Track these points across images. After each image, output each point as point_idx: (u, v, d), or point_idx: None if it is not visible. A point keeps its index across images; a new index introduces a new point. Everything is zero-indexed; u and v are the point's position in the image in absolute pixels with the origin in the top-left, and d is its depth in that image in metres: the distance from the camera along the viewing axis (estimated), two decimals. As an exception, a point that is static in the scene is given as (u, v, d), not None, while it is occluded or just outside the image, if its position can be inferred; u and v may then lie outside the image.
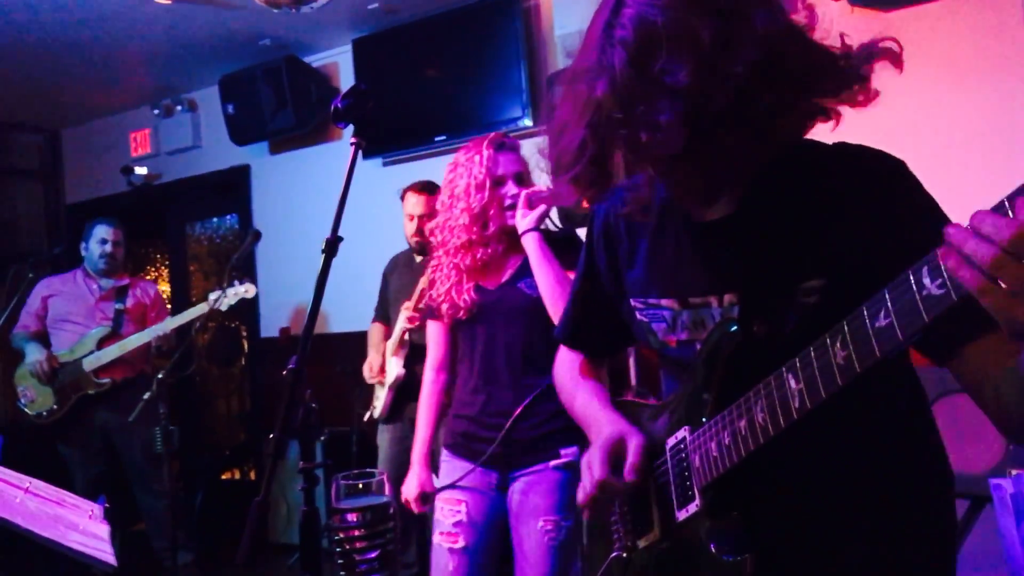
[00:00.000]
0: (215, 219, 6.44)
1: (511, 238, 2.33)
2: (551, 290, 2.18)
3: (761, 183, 1.10)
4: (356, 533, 1.25)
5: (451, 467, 2.35)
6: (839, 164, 1.08)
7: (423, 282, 2.63)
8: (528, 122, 4.54)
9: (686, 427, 1.13)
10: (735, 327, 1.06)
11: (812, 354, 0.92)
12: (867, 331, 0.85)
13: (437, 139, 4.83)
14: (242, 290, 4.25)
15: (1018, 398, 0.92)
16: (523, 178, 2.35)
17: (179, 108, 5.93)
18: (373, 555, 1.26)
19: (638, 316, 1.24)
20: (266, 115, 5.21)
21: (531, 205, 2.25)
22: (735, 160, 1.07)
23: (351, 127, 1.46)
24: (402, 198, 3.89)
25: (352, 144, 1.46)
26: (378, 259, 4.10)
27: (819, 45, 1.00)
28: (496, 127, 4.67)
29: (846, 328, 0.88)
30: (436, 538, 2.31)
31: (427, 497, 2.41)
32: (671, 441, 1.15)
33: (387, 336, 3.91)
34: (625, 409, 1.33)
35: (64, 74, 5.40)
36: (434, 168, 4.64)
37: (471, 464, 2.30)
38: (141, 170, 6.08)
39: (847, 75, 0.99)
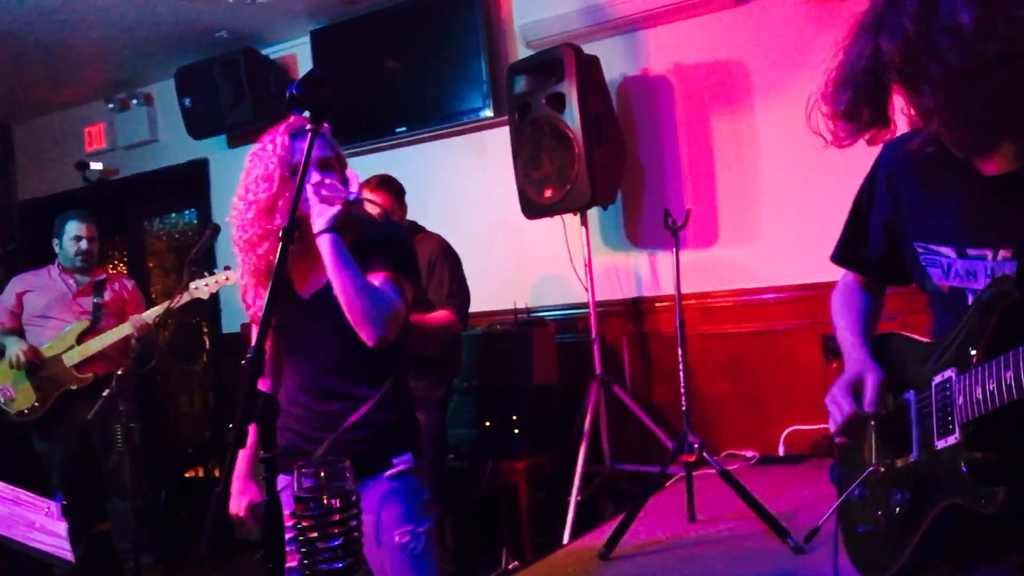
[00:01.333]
0: (174, 214, 6.35)
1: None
2: (349, 301, 1.98)
3: None
4: (317, 521, 1.24)
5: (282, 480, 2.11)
6: None
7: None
8: (489, 112, 4.54)
9: (952, 368, 1.23)
10: (1012, 285, 1.15)
11: None
12: None
13: (398, 131, 4.81)
14: (223, 277, 4.19)
15: None
16: (329, 164, 2.11)
17: (135, 102, 5.83)
18: (336, 543, 1.26)
19: (921, 260, 1.35)
20: (224, 108, 5.15)
21: (327, 202, 2.01)
22: (1014, 113, 1.11)
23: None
24: (359, 193, 3.86)
25: (308, 131, 1.44)
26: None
27: None
28: (457, 118, 4.67)
29: None
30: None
31: (256, 507, 2.22)
32: (937, 379, 1.27)
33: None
34: (887, 343, 1.46)
35: (14, 67, 5.28)
36: (395, 160, 4.63)
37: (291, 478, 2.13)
38: (96, 165, 5.97)
39: None
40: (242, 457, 2.20)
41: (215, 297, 5.68)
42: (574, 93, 3.85)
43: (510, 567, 3.67)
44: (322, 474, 1.29)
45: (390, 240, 2.14)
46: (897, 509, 1.32)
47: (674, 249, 3.14)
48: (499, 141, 4.41)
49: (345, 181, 2.07)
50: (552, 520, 4.03)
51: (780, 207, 4.02)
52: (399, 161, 4.67)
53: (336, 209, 1.99)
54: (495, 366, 4.05)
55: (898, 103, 1.23)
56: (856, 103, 1.20)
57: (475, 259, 4.04)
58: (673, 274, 3.14)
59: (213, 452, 5.82)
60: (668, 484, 3.64)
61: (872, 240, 1.48)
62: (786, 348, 4.02)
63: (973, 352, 1.19)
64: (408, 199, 3.83)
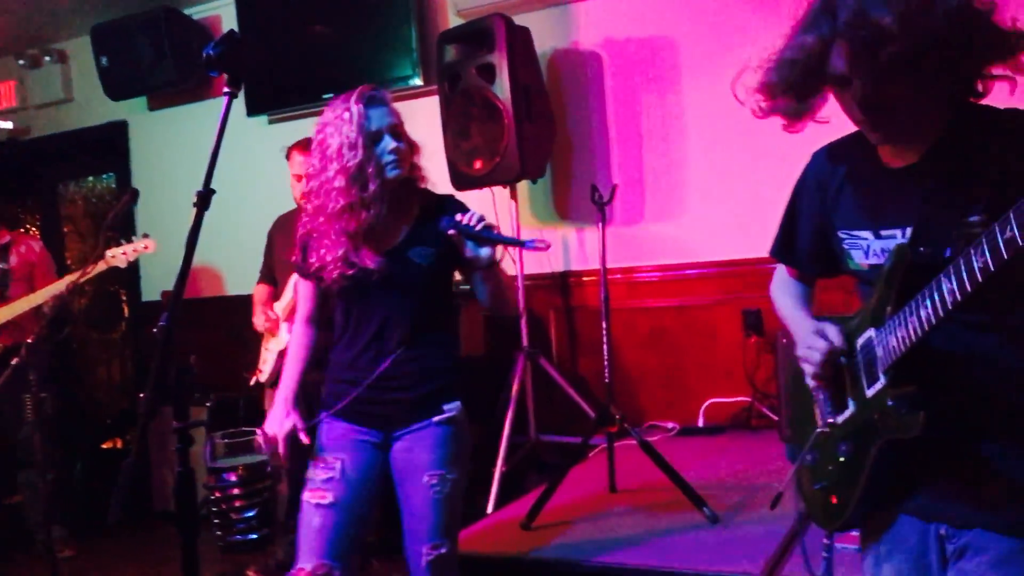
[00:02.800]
0: (91, 178, 6.13)
1: (396, 200, 2.27)
2: (505, 307, 2.36)
3: (942, 138, 1.37)
4: (233, 492, 1.22)
5: (332, 428, 2.33)
6: (1009, 124, 1.34)
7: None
8: (418, 81, 4.49)
9: (871, 328, 1.42)
10: (907, 249, 1.36)
11: (960, 262, 1.18)
12: (997, 241, 1.11)
13: (325, 97, 4.66)
14: (141, 246, 4.06)
15: None
16: (398, 131, 2.28)
17: (47, 59, 5.58)
18: (251, 514, 1.24)
19: (844, 245, 1.52)
20: (144, 69, 4.97)
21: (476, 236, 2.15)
22: (923, 115, 1.35)
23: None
24: (288, 157, 3.79)
25: (225, 94, 1.40)
26: (265, 219, 4.00)
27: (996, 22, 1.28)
28: (386, 86, 4.57)
29: (984, 240, 1.13)
30: (305, 495, 2.27)
31: (295, 438, 2.33)
32: (860, 340, 1.46)
33: (272, 297, 3.82)
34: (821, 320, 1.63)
35: (-84, 19, 5.01)
36: (322, 127, 4.53)
37: (352, 426, 2.30)
38: (6, 124, 5.72)
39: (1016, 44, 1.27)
40: (287, 385, 2.36)
41: (134, 265, 5.53)
42: (504, 64, 3.83)
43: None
44: (236, 444, 1.26)
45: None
46: (842, 459, 1.49)
47: (599, 222, 3.17)
48: (429, 111, 4.36)
49: (412, 148, 2.34)
50: (476, 491, 4.05)
51: (705, 185, 4.08)
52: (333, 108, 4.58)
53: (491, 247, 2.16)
54: (422, 338, 4.04)
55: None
56: (789, 87, 1.38)
57: (403, 230, 4.01)
58: (600, 248, 3.17)
59: (132, 422, 5.68)
60: (590, 455, 3.70)
61: (803, 237, 1.66)
62: (707, 323, 4.10)
63: (887, 310, 1.38)
64: (335, 167, 3.76)
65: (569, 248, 4.38)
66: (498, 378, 4.07)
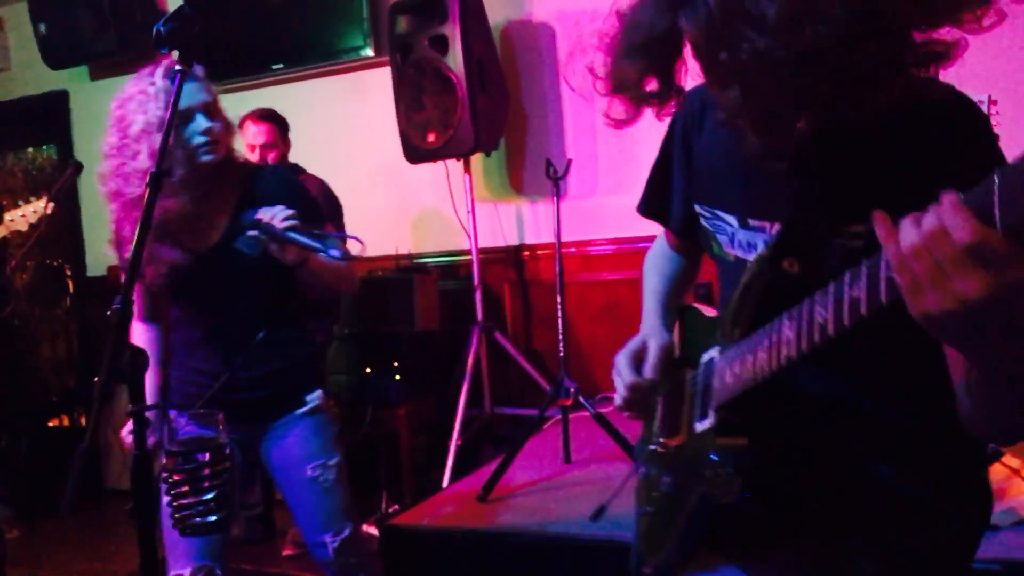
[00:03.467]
0: (30, 149, 5.95)
1: (214, 186, 2.11)
2: (330, 290, 2.24)
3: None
4: (190, 475, 1.22)
5: (185, 430, 2.21)
6: (924, 110, 1.00)
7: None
8: (370, 52, 4.42)
9: (717, 348, 1.17)
10: (765, 265, 1.08)
11: (805, 305, 0.93)
12: (843, 297, 0.85)
13: (274, 67, 4.63)
14: (40, 205, 3.94)
15: (970, 403, 0.93)
16: (213, 110, 2.10)
17: (-18, 26, 5.39)
18: (209, 496, 1.24)
19: (702, 222, 1.26)
20: (85, 37, 4.82)
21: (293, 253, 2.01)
22: (806, 108, 0.97)
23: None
24: (240, 127, 3.72)
25: (176, 72, 1.37)
26: (214, 193, 3.93)
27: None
28: (336, 56, 4.53)
29: (864, 269, 0.85)
30: (165, 498, 2.18)
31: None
32: (704, 357, 1.21)
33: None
34: (685, 315, 1.37)
35: None
36: (271, 98, 4.45)
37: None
38: (-60, 93, 5.51)
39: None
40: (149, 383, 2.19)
41: (79, 239, 5.42)
42: (457, 36, 3.79)
43: (389, 511, 3.71)
44: (194, 427, 1.26)
45: (297, 189, 2.21)
46: (665, 491, 1.26)
47: (554, 197, 3.18)
48: (380, 82, 4.31)
49: (228, 129, 2.12)
50: (432, 464, 4.07)
51: (658, 158, 4.11)
52: (275, 99, 4.49)
53: (295, 250, 1.98)
54: (376, 313, 4.02)
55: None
56: (644, 74, 1.04)
57: (355, 203, 3.97)
58: (553, 222, 3.18)
59: (79, 400, 5.58)
60: (545, 427, 3.74)
61: (675, 191, 1.35)
62: (660, 295, 4.14)
63: (736, 332, 1.12)
64: (285, 139, 3.72)
65: (524, 221, 4.39)
66: (453, 352, 4.08)
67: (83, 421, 5.58)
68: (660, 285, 1.45)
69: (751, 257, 1.16)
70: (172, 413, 2.21)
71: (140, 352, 1.23)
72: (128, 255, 2.02)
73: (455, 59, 3.80)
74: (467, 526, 2.73)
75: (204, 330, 2.18)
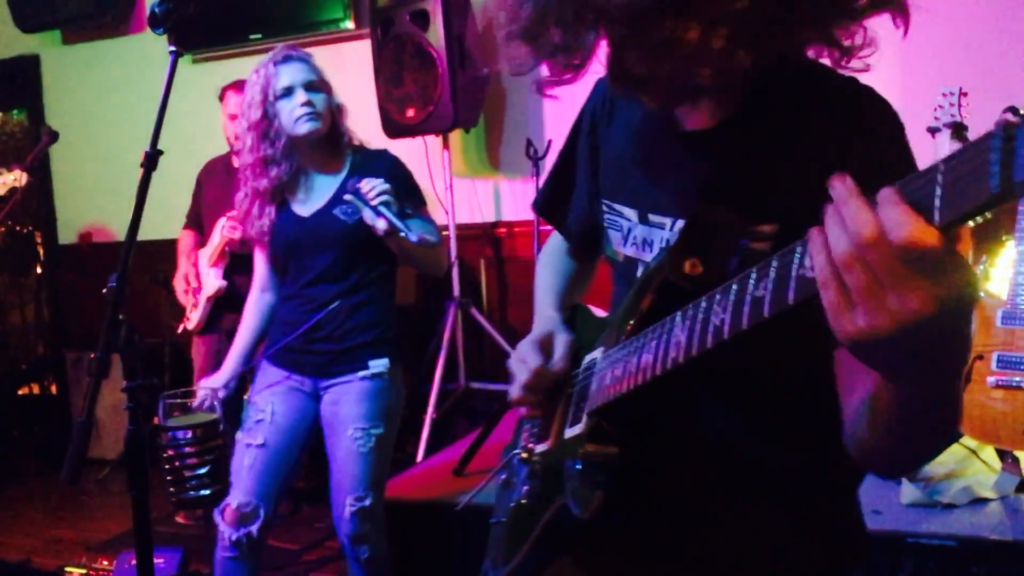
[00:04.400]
0: (0, 113, 5.85)
1: (321, 155, 2.35)
2: (428, 266, 2.42)
3: (751, 102, 0.99)
4: (185, 450, 1.25)
5: (266, 374, 2.41)
6: (838, 105, 0.96)
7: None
8: (349, 25, 4.40)
9: (601, 348, 1.10)
10: (661, 263, 0.99)
11: (702, 305, 0.86)
12: (744, 297, 0.78)
13: (252, 37, 4.58)
14: (11, 178, 3.90)
15: (869, 431, 0.83)
16: (315, 86, 2.32)
17: (-49, -14, 5.27)
18: (203, 471, 1.27)
19: (604, 220, 1.16)
20: (58, 0, 4.74)
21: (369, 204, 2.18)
22: (686, 68, 0.90)
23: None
24: (221, 98, 3.70)
25: (171, 53, 1.38)
26: (188, 162, 3.90)
27: None
28: (315, 28, 4.50)
29: (731, 294, 0.80)
30: (239, 435, 2.36)
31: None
32: (587, 359, 1.14)
33: (199, 244, 3.76)
34: (575, 315, 1.30)
35: None
36: (248, 68, 4.42)
37: (287, 372, 2.38)
38: (-93, 55, 5.39)
39: (836, 8, 0.88)
40: (237, 347, 2.48)
41: (50, 208, 5.35)
42: (439, 12, 3.79)
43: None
44: (187, 404, 1.29)
45: (400, 175, 2.37)
46: (522, 502, 1.18)
47: (534, 177, 3.21)
48: (359, 55, 4.30)
49: (330, 104, 2.35)
50: (405, 437, 4.12)
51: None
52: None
53: (385, 221, 2.14)
54: (352, 286, 4.04)
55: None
56: (541, 20, 0.95)
57: (333, 177, 3.98)
58: (530, 200, 3.21)
59: (49, 367, 5.54)
60: (519, 402, 3.79)
61: (577, 190, 1.26)
62: (634, 274, 4.21)
63: (626, 330, 1.03)
64: (264, 112, 3.70)
65: (501, 198, 4.41)
66: (429, 326, 4.12)
67: (53, 389, 5.56)
68: (555, 282, 1.35)
69: (645, 256, 1.08)
70: (261, 357, 2.44)
71: (135, 329, 1.26)
72: (250, 231, 2.34)
73: (436, 35, 3.80)
74: (443, 498, 2.78)
75: (295, 287, 2.36)
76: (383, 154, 2.46)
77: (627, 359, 0.99)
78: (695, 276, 0.93)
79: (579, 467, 1.01)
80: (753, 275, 0.78)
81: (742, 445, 1.05)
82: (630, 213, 1.10)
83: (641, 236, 1.09)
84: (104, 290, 1.24)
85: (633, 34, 0.88)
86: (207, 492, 1.27)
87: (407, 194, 2.34)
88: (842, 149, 0.93)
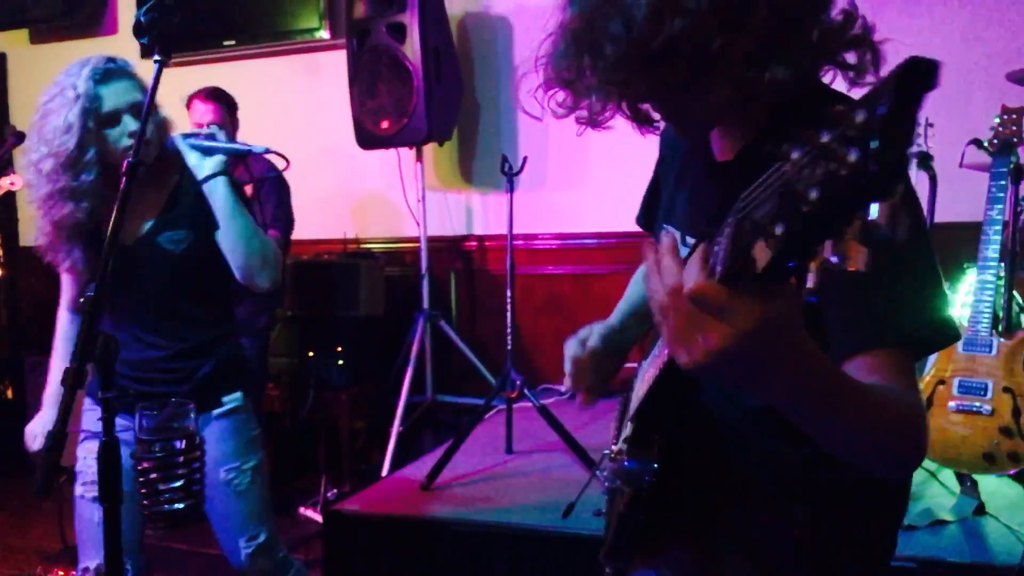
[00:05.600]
0: (-38, 111, 5.74)
1: (146, 178, 2.04)
2: (247, 245, 2.02)
3: (767, 132, 1.06)
4: (161, 463, 1.24)
5: (95, 415, 2.03)
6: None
7: None
8: (324, 34, 4.40)
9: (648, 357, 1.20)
10: None
11: None
12: None
13: (226, 44, 4.57)
14: (6, 183, 3.84)
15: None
16: (140, 109, 2.00)
17: (-84, -20, 5.17)
18: (177, 484, 1.26)
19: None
20: (27, -1, 4.69)
21: (207, 151, 2.01)
22: (687, 109, 1.02)
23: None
24: (188, 106, 3.68)
25: (156, 62, 1.38)
26: (160, 169, 3.87)
27: (799, 7, 0.95)
28: (290, 37, 4.50)
29: None
30: (78, 489, 2.13)
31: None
32: (638, 366, 1.25)
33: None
34: (655, 330, 1.36)
35: None
36: (222, 74, 4.40)
37: (121, 415, 1.97)
38: None
39: (817, 48, 0.95)
40: (52, 382, 2.23)
41: (11, 208, 5.25)
42: (415, 24, 3.81)
43: (328, 495, 3.73)
44: (165, 415, 1.28)
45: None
46: (611, 491, 1.30)
47: (508, 192, 3.23)
48: (334, 65, 4.30)
49: (162, 127, 2.07)
50: (371, 449, 4.10)
51: (607, 157, 4.19)
52: (225, 77, 4.43)
53: (220, 156, 1.97)
54: (320, 296, 4.03)
55: None
56: (575, 69, 1.02)
57: (303, 185, 3.95)
58: (502, 214, 3.23)
59: (7, 371, 5.43)
60: (487, 416, 3.80)
61: (659, 209, 1.37)
62: (603, 291, 4.24)
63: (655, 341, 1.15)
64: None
65: (472, 212, 4.43)
66: (396, 338, 4.11)
67: (9, 393, 5.44)
68: (633, 295, 1.45)
69: None
70: (88, 400, 2.19)
71: (111, 339, 1.24)
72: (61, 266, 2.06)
73: (412, 48, 3.81)
74: (411, 514, 2.77)
75: (123, 324, 2.11)
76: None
77: (654, 360, 1.10)
78: None
79: (628, 465, 1.11)
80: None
81: (775, 451, 1.10)
82: (677, 236, 1.20)
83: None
84: (81, 300, 1.23)
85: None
86: (181, 506, 1.25)
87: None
88: None
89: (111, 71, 1.99)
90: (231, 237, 2.00)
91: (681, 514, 1.16)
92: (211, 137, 2.00)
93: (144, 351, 2.08)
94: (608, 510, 1.33)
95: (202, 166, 1.98)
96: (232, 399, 2.13)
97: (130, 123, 1.97)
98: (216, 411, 2.10)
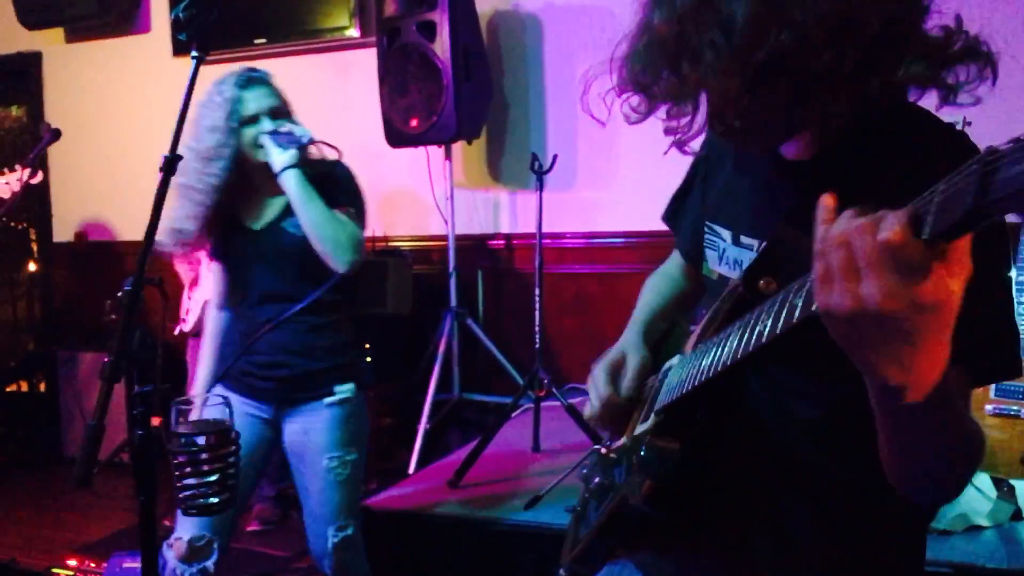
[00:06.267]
0: (-2, 108, 5.83)
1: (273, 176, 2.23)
2: (320, 229, 2.15)
3: (848, 138, 1.03)
4: (197, 456, 1.25)
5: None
6: (924, 148, 0.99)
7: None
8: (354, 32, 4.41)
9: (679, 356, 1.18)
10: (738, 281, 1.04)
11: (755, 313, 0.91)
12: (786, 303, 0.83)
13: (257, 42, 4.59)
14: (25, 175, 3.88)
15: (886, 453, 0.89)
16: (279, 112, 2.27)
17: (-46, -20, 5.25)
18: (212, 479, 1.27)
19: (704, 240, 1.23)
20: (63, -2, 4.74)
21: (282, 144, 2.18)
22: (783, 116, 0.99)
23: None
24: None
25: (193, 58, 1.39)
26: (191, 166, 3.90)
27: (907, 22, 0.92)
28: (320, 35, 4.52)
29: (776, 303, 0.86)
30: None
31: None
32: (667, 364, 1.22)
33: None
34: (673, 328, 1.36)
35: None
36: (254, 73, 4.43)
37: (241, 397, 2.28)
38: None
39: (922, 69, 0.92)
40: (203, 378, 2.34)
41: (45, 204, 5.33)
42: (445, 23, 3.81)
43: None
44: (200, 410, 1.29)
45: (338, 176, 2.30)
46: (593, 494, 1.27)
47: (537, 191, 3.22)
48: (364, 64, 4.31)
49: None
50: (397, 446, 4.11)
51: (636, 156, 4.16)
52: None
53: (295, 150, 2.15)
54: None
55: None
56: (652, 73, 1.00)
57: (334, 184, 3.98)
58: (529, 213, 3.23)
59: (39, 365, 5.51)
60: (514, 415, 3.80)
61: (689, 210, 1.34)
62: (629, 290, 4.18)
63: (698, 343, 1.12)
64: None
65: (500, 211, 4.42)
66: (424, 336, 4.12)
67: (42, 387, 5.52)
68: (652, 301, 1.41)
69: (735, 275, 1.14)
70: (219, 387, 2.28)
71: (148, 334, 1.25)
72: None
73: (442, 46, 3.81)
74: (440, 511, 2.78)
75: (245, 307, 2.28)
76: (336, 164, 2.36)
77: (694, 362, 1.05)
78: (767, 293, 0.97)
79: (641, 455, 1.08)
80: (795, 285, 0.83)
81: (802, 452, 1.09)
82: (725, 234, 1.18)
83: (733, 256, 1.16)
84: (119, 293, 1.24)
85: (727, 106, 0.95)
86: (215, 500, 1.26)
87: (341, 193, 2.25)
88: (919, 190, 0.95)
89: (252, 79, 2.24)
90: (305, 223, 2.15)
91: (696, 516, 1.10)
92: (290, 134, 2.18)
93: (271, 334, 2.20)
94: (584, 508, 1.29)
95: (276, 161, 2.15)
96: (344, 390, 2.25)
97: (267, 124, 2.20)
98: (328, 399, 2.22)
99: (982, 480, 2.49)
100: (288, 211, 2.22)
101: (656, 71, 0.99)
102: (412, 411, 3.96)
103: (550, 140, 4.27)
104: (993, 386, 2.37)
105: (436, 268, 4.35)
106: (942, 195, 0.65)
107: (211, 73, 2.21)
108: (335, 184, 2.25)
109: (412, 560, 2.74)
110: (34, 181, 3.88)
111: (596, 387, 1.26)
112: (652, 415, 1.12)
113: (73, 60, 5.19)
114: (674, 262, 1.44)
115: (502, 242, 4.42)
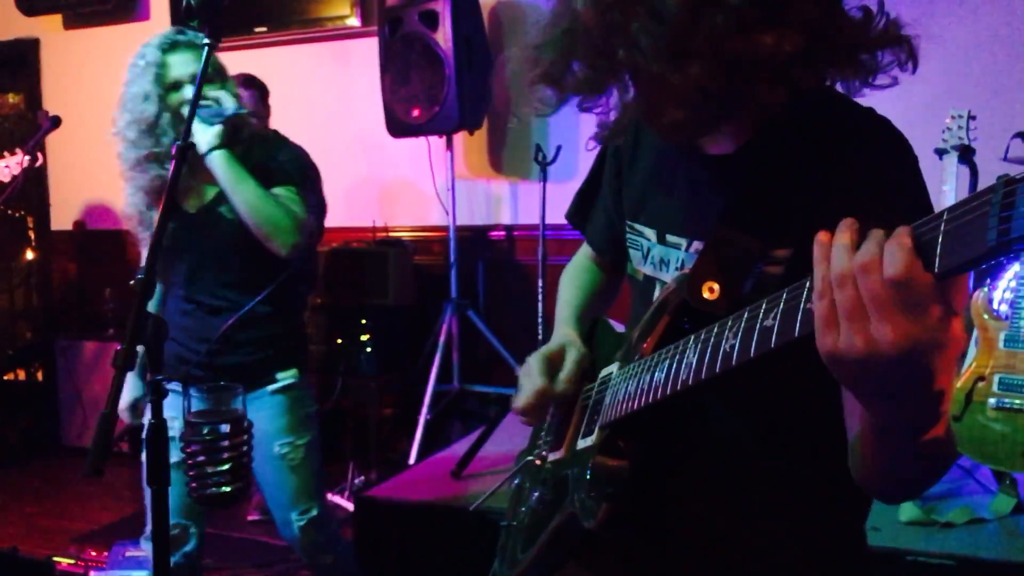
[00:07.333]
0: (-6, 95, 5.79)
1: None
2: (253, 213, 2.04)
3: (769, 129, 1.00)
4: (211, 446, 1.25)
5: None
6: (852, 135, 0.98)
7: None
8: (355, 21, 4.39)
9: (617, 364, 1.13)
10: (680, 286, 1.02)
11: (715, 330, 0.88)
12: (755, 325, 0.80)
13: (257, 30, 4.57)
14: (24, 159, 3.85)
15: (861, 458, 0.88)
16: (206, 80, 2.00)
17: (-49, -35, 5.21)
18: (225, 468, 1.26)
19: (626, 239, 1.20)
20: (61, -16, 4.72)
21: (207, 121, 2.05)
22: (707, 108, 0.94)
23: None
24: (220, 92, 3.69)
25: (204, 45, 1.38)
26: (191, 155, 3.89)
27: (837, 4, 0.91)
28: (320, 23, 4.50)
29: (742, 321, 0.83)
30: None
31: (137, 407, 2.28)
32: (603, 372, 1.16)
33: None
34: (595, 329, 1.32)
35: None
36: (254, 61, 4.40)
37: (182, 385, 2.14)
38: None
39: (847, 50, 0.90)
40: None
41: (43, 191, 5.31)
42: (447, 13, 3.80)
43: (356, 481, 3.75)
44: (214, 398, 1.28)
45: (278, 153, 2.18)
46: (533, 507, 1.21)
47: (540, 181, 3.21)
48: (365, 53, 4.29)
49: (234, 96, 2.10)
50: (398, 437, 4.12)
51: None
52: (256, 63, 4.44)
53: (219, 127, 2.01)
54: (350, 284, 4.04)
55: None
56: (562, 63, 0.97)
57: (333, 173, 3.93)
58: (531, 204, 3.22)
59: (37, 354, 5.49)
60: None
61: (600, 205, 1.31)
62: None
63: (642, 347, 1.06)
64: (267, 104, 3.70)
65: (502, 202, 4.42)
66: (425, 327, 4.11)
67: (39, 376, 5.50)
68: (575, 297, 1.37)
69: (662, 275, 1.12)
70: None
71: (160, 321, 1.25)
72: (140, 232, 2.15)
73: (444, 35, 3.80)
74: (441, 501, 2.78)
75: (181, 294, 2.18)
76: (279, 140, 2.27)
77: (640, 376, 1.01)
78: (712, 300, 0.96)
79: (588, 478, 1.03)
80: (764, 304, 0.81)
81: (752, 458, 1.07)
82: (649, 233, 1.14)
83: (659, 256, 1.12)
84: (131, 282, 1.23)
85: (663, 82, 0.90)
86: (228, 489, 1.26)
87: (280, 171, 2.14)
88: (856, 180, 0.94)
89: (177, 42, 2.10)
90: (237, 206, 2.03)
91: (655, 534, 1.08)
92: (214, 106, 2.04)
93: (206, 318, 2.14)
94: (521, 522, 1.23)
95: (200, 141, 2.02)
96: (287, 375, 2.19)
97: (188, 91, 2.04)
98: (271, 387, 2.16)
99: (983, 473, 2.50)
100: (224, 194, 2.10)
101: (566, 62, 0.96)
102: (414, 402, 3.96)
103: (552, 131, 4.26)
104: (996, 380, 2.38)
105: (437, 259, 4.34)
106: (950, 225, 0.62)
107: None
108: (274, 161, 2.14)
109: (413, 550, 2.73)
110: (37, 164, 3.84)
111: (531, 377, 1.21)
112: (596, 430, 1.08)
113: (71, 47, 5.16)
114: (586, 255, 1.41)
115: (503, 233, 4.41)
